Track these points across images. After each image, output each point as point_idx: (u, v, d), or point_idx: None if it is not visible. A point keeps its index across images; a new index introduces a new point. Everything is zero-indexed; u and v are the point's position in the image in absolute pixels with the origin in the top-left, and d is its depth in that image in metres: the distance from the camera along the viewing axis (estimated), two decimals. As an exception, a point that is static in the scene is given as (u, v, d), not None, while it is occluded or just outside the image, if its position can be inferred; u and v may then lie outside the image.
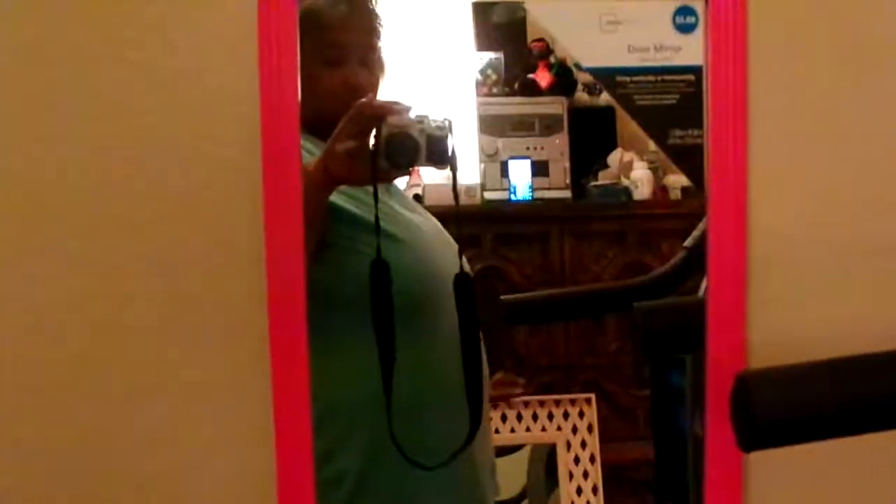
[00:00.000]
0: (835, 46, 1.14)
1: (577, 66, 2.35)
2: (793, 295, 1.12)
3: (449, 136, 1.24)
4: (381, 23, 1.43)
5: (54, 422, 1.12)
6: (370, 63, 1.42)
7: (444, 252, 1.40)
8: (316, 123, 1.27)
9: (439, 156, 1.24)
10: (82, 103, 1.10)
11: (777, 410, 0.92)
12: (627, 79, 2.16)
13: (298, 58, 1.08)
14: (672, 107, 2.11)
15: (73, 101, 1.10)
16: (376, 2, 1.43)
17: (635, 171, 2.52)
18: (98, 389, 1.12)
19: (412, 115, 1.24)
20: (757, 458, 1.11)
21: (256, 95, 1.08)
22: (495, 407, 2.10)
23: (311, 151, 1.27)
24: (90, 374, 1.12)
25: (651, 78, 2.10)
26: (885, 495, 1.15)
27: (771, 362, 1.02)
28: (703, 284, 1.39)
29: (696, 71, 1.15)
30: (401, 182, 1.48)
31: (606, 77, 2.07)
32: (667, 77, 2.06)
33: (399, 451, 1.25)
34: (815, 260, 1.13)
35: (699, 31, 1.13)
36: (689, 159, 2.05)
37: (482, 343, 1.41)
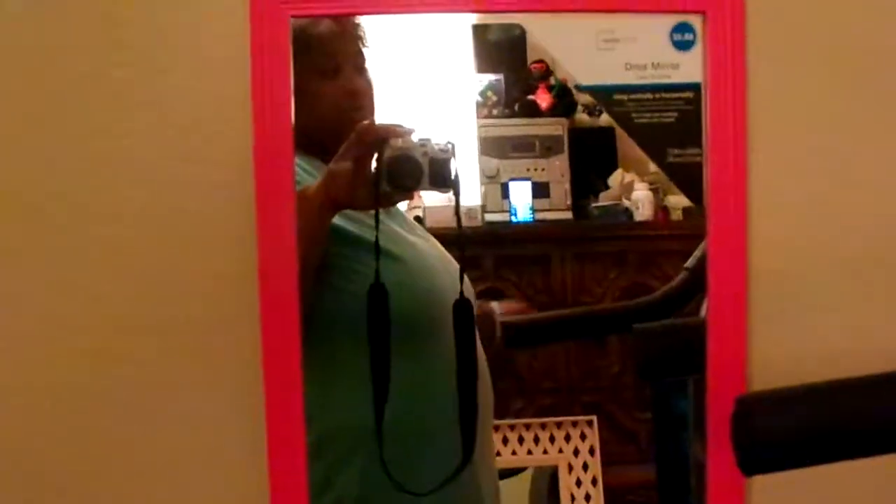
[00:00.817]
0: (833, 62, 1.13)
1: (577, 86, 2.35)
2: (794, 313, 1.11)
3: (452, 159, 1.24)
4: (363, 28, 1.43)
5: (42, 449, 1.11)
6: (363, 68, 1.43)
7: (444, 274, 1.39)
8: (318, 141, 1.27)
9: (442, 179, 1.24)
10: (70, 124, 1.10)
11: (778, 434, 0.91)
12: (625, 96, 2.16)
13: (292, 75, 1.08)
14: (670, 125, 2.11)
15: (61, 122, 1.10)
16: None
17: (636, 191, 2.51)
18: (87, 418, 1.11)
19: (415, 138, 1.24)
20: (759, 483, 1.09)
21: (249, 114, 1.07)
22: (497, 429, 2.09)
23: (310, 173, 1.27)
24: (79, 402, 1.11)
25: (649, 95, 2.09)
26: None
27: (772, 382, 1.01)
28: (705, 305, 1.38)
29: (694, 88, 1.14)
30: (401, 204, 1.47)
31: (604, 95, 2.06)
32: (665, 94, 2.05)
33: (389, 478, 1.24)
34: (816, 277, 1.12)
35: (697, 49, 1.12)
36: (688, 178, 2.04)
37: (487, 368, 1.40)
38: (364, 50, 1.42)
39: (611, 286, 2.40)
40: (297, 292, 1.07)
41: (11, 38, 1.09)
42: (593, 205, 2.51)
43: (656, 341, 1.36)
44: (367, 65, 1.43)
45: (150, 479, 1.12)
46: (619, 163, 2.59)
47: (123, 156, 1.10)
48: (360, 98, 1.39)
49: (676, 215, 2.51)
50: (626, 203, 2.51)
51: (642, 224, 2.47)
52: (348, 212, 1.30)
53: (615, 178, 2.54)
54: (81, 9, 1.09)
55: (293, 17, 1.08)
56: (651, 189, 2.50)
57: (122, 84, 1.09)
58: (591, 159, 2.55)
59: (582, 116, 2.62)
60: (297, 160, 1.12)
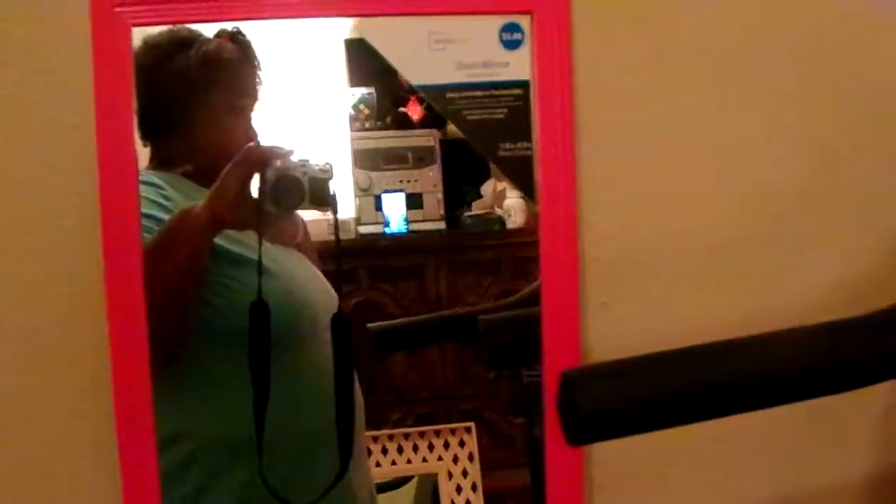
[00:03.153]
0: (656, 58, 1.18)
1: (411, 87, 2.38)
2: (625, 296, 1.14)
3: (331, 178, 1.27)
4: (259, 59, 1.51)
5: None
6: (255, 111, 1.50)
7: (315, 289, 1.41)
8: (210, 170, 1.28)
9: (323, 198, 1.28)
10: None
11: (598, 403, 0.94)
12: (457, 95, 2.18)
13: (133, 82, 1.08)
14: (501, 121, 2.13)
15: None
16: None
17: (508, 199, 2.54)
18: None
19: (294, 158, 1.27)
20: (597, 455, 1.12)
21: (92, 118, 1.07)
22: (375, 440, 2.09)
23: (190, 196, 1.27)
24: None
25: (479, 93, 2.12)
26: (722, 481, 1.18)
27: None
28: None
29: (523, 85, 1.17)
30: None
31: (436, 93, 2.08)
32: (495, 92, 2.08)
33: (268, 489, 1.25)
34: (646, 261, 1.16)
35: (526, 47, 1.15)
36: (519, 170, 2.06)
37: (355, 377, 1.42)
38: (259, 95, 1.51)
39: (485, 293, 2.43)
40: (143, 304, 1.07)
41: None
42: (466, 214, 2.54)
43: (501, 331, 1.38)
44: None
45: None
46: (492, 172, 2.63)
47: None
48: (252, 140, 1.46)
49: (548, 222, 2.54)
50: (498, 211, 2.54)
51: (515, 231, 2.50)
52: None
53: (487, 187, 2.57)
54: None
55: (134, 25, 1.08)
56: (522, 197, 2.53)
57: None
58: (464, 169, 2.57)
59: (453, 127, 2.64)
60: (182, 186, 1.12)
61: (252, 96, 1.48)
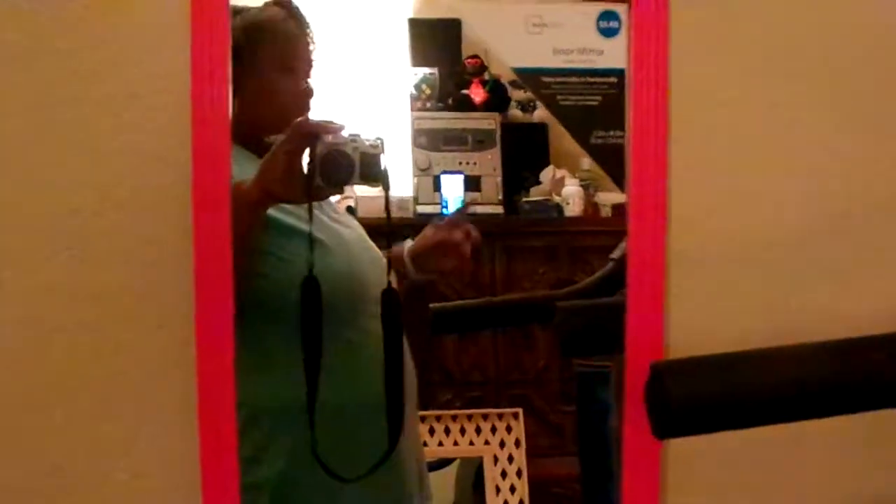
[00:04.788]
0: (751, 51, 1.16)
1: (510, 83, 2.38)
2: (709, 289, 1.14)
3: (382, 154, 1.26)
4: (313, 35, 1.47)
5: None
6: (311, 76, 1.46)
7: (369, 263, 1.41)
8: (260, 132, 1.28)
9: (372, 174, 1.26)
10: (12, 94, 1.09)
11: (689, 398, 0.93)
12: (552, 79, 2.18)
13: (230, 46, 1.08)
14: (595, 108, 2.14)
15: (7, 96, 1.09)
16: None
17: (567, 187, 2.54)
18: (22, 383, 1.10)
19: (345, 133, 1.26)
20: (674, 452, 1.11)
21: (188, 86, 1.07)
22: (423, 420, 2.10)
23: (242, 166, 1.27)
24: (31, 358, 1.10)
25: (574, 79, 2.12)
26: (797, 486, 1.17)
27: (687, 355, 1.03)
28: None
29: (618, 74, 1.16)
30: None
31: (532, 77, 2.09)
32: (590, 79, 2.08)
33: (320, 464, 1.25)
34: (733, 255, 1.15)
35: (622, 36, 1.14)
36: (610, 159, 2.07)
37: (408, 353, 1.41)
38: (312, 58, 1.46)
39: (540, 280, 2.42)
40: (230, 265, 1.07)
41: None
42: (524, 200, 2.53)
43: (578, 318, 1.38)
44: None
45: (83, 443, 1.11)
46: (551, 159, 2.63)
47: (62, 124, 1.09)
48: (309, 98, 1.43)
49: (606, 212, 2.53)
50: (556, 199, 2.53)
51: (572, 220, 2.49)
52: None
53: (547, 174, 2.56)
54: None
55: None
56: (582, 185, 2.53)
57: (62, 56, 1.09)
58: (524, 154, 2.57)
59: (515, 112, 2.64)
60: (235, 154, 1.12)
61: (302, 58, 1.46)
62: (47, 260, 1.09)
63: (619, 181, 1.22)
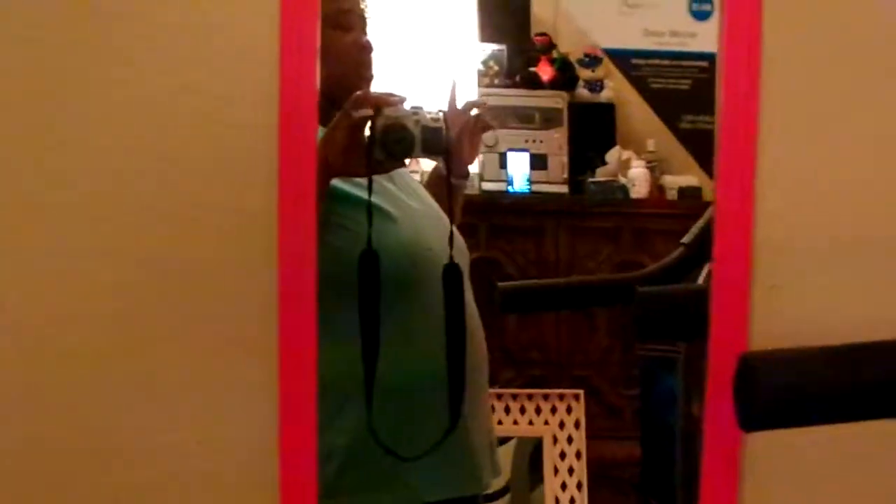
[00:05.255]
0: (848, 40, 1.14)
1: (588, 59, 2.34)
2: (796, 281, 1.12)
3: (443, 127, 1.25)
4: None
5: (72, 376, 1.12)
6: (366, 30, 1.45)
7: (439, 237, 1.40)
8: (324, 93, 1.28)
9: (434, 147, 1.25)
10: (98, 63, 1.10)
11: (779, 390, 0.92)
12: (642, 62, 2.15)
13: (319, 21, 1.08)
14: (685, 92, 2.11)
15: (93, 60, 1.10)
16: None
17: (633, 169, 2.52)
18: (120, 339, 1.11)
19: (407, 106, 1.25)
20: (754, 444, 1.10)
21: (276, 58, 1.08)
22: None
23: None
24: (116, 325, 1.11)
25: (665, 62, 2.09)
26: (885, 486, 1.15)
27: (771, 347, 1.02)
28: (703, 274, 1.39)
29: (709, 58, 1.14)
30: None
31: (622, 59, 2.06)
32: (681, 62, 2.05)
33: (375, 439, 1.25)
34: (819, 248, 1.13)
35: (714, 19, 1.13)
36: (699, 144, 2.04)
37: (479, 326, 1.41)
38: (365, 13, 1.45)
39: (604, 261, 2.41)
40: (314, 233, 1.08)
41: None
42: (590, 180, 2.52)
43: (658, 304, 1.36)
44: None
45: (165, 409, 1.12)
46: (618, 140, 2.61)
47: (149, 95, 1.10)
48: (368, 53, 1.42)
49: (671, 195, 2.52)
50: (622, 180, 2.52)
51: (638, 202, 2.49)
52: (341, 174, 1.32)
53: (613, 155, 2.55)
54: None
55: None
56: (648, 167, 2.51)
57: (156, 26, 1.10)
58: (590, 135, 2.56)
59: (582, 91, 2.62)
60: None
61: (354, 12, 1.45)
62: (138, 225, 1.11)
63: (707, 167, 1.20)
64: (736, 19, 1.10)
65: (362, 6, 1.45)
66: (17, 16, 1.11)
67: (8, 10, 1.11)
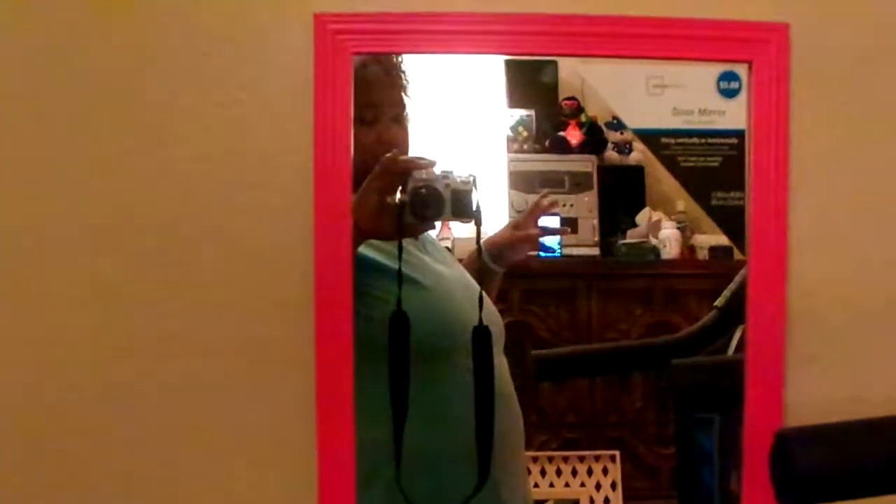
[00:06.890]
0: (874, 112, 1.16)
1: (616, 122, 2.37)
2: (830, 354, 1.13)
3: (474, 190, 1.27)
4: (408, 77, 1.46)
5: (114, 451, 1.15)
6: (401, 119, 1.45)
7: (468, 303, 1.41)
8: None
9: (464, 210, 1.26)
10: (141, 147, 1.14)
11: (817, 467, 0.93)
12: (672, 140, 2.18)
13: (352, 108, 1.11)
14: (715, 169, 2.13)
15: (133, 144, 1.14)
16: (402, 59, 1.45)
17: (663, 230, 2.53)
18: (150, 417, 1.15)
19: (437, 170, 1.27)
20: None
21: (310, 144, 1.11)
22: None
23: None
24: (140, 408, 1.15)
25: (695, 140, 2.11)
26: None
27: (807, 421, 1.03)
28: (733, 343, 1.40)
29: (739, 134, 1.17)
30: (433, 233, 1.51)
31: (651, 138, 2.08)
32: (710, 140, 2.08)
33: (405, 499, 1.26)
34: (852, 320, 1.14)
35: (743, 96, 1.15)
36: (731, 220, 2.06)
37: (513, 393, 1.42)
38: (405, 99, 1.45)
39: (636, 323, 2.42)
40: (351, 310, 1.10)
41: (84, 66, 1.13)
42: (620, 242, 2.53)
43: (694, 377, 1.38)
44: (406, 113, 1.45)
45: (209, 478, 1.17)
46: (647, 201, 2.62)
47: (190, 179, 1.14)
48: (393, 147, 1.38)
49: (703, 254, 2.52)
50: (653, 241, 2.53)
51: (669, 262, 2.49)
52: (372, 240, 1.32)
53: (643, 216, 2.56)
54: (157, 36, 1.14)
55: (355, 54, 1.12)
56: (678, 228, 2.52)
57: (190, 112, 1.13)
58: (620, 197, 2.58)
59: (611, 154, 2.65)
60: None
61: (384, 104, 1.42)
62: (173, 310, 1.15)
63: (739, 243, 1.21)
64: (763, 96, 1.13)
65: (400, 93, 1.45)
66: (70, 100, 1.15)
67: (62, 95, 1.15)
